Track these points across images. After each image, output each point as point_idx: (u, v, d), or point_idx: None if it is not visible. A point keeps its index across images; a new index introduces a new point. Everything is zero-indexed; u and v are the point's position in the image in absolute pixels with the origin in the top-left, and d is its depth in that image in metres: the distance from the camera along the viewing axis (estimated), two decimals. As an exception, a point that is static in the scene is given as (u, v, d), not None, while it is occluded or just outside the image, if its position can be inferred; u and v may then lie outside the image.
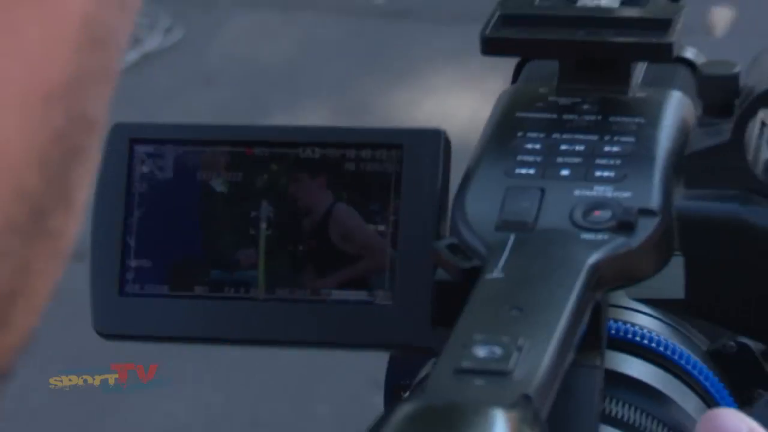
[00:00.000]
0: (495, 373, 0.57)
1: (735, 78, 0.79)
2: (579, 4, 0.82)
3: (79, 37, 0.34)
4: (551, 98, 0.80)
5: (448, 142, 0.76)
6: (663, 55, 0.80)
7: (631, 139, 0.78)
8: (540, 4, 0.82)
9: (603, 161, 0.76)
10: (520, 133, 0.78)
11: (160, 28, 3.44)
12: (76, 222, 0.35)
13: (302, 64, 3.43)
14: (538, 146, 0.77)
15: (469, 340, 0.59)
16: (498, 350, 0.58)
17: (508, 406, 0.54)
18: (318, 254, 0.73)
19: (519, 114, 0.80)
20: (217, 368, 2.53)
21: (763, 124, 0.81)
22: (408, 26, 3.59)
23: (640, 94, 0.80)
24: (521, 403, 0.55)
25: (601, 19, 0.81)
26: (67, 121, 0.33)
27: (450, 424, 0.54)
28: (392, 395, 0.78)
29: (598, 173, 0.75)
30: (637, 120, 0.79)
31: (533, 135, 0.78)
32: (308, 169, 0.74)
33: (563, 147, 0.77)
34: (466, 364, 0.57)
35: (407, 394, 0.74)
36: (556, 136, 0.78)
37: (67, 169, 0.34)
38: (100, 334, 0.76)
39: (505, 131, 0.78)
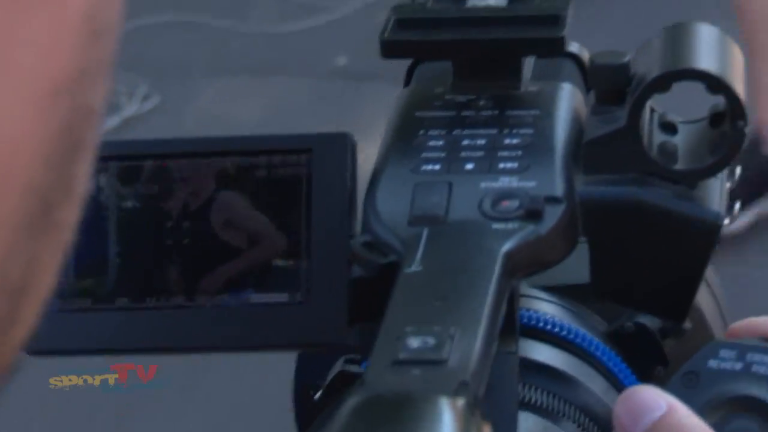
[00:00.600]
0: (431, 362, 0.57)
1: (625, 67, 0.79)
2: (469, 4, 0.81)
3: (83, 29, 0.33)
4: (448, 96, 0.79)
5: (354, 145, 0.75)
6: (555, 48, 0.80)
7: (529, 131, 0.77)
8: (432, 6, 0.81)
9: (505, 153, 0.76)
10: (422, 132, 0.77)
11: (138, 95, 3.53)
12: (77, 214, 0.34)
13: (273, 124, 3.47)
14: (440, 143, 0.77)
15: (401, 332, 0.58)
16: (431, 340, 0.57)
17: (451, 393, 0.54)
18: (235, 261, 0.72)
19: (418, 114, 0.79)
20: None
21: (652, 109, 0.79)
22: (372, 87, 3.63)
23: (532, 88, 0.80)
24: (461, 390, 0.55)
25: (491, 18, 0.80)
26: (73, 114, 0.32)
27: (397, 413, 0.54)
28: (302, 396, 0.77)
29: (501, 165, 0.74)
30: (533, 112, 0.78)
31: (435, 132, 0.77)
32: (221, 178, 0.73)
33: (465, 142, 0.77)
34: (402, 355, 0.57)
35: (318, 393, 0.73)
36: (457, 132, 0.77)
37: (72, 162, 0.33)
38: (26, 351, 0.74)
39: (407, 131, 0.78)
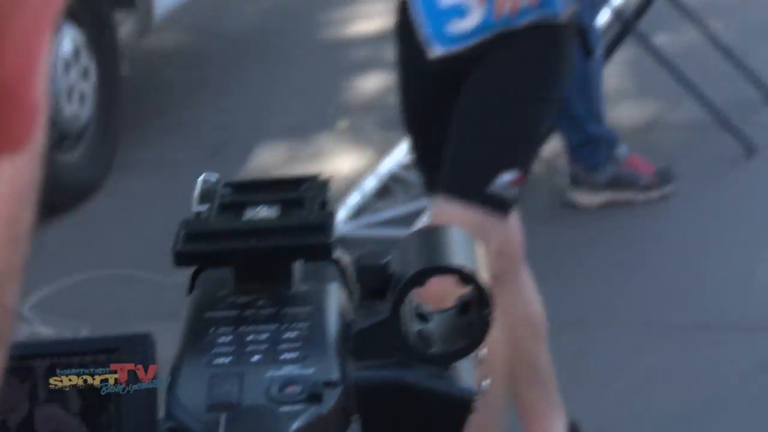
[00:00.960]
0: None
1: (386, 266, 0.87)
2: (246, 216, 0.89)
3: (5, 235, 0.33)
4: (231, 299, 0.86)
5: (153, 344, 0.85)
6: (323, 254, 0.87)
7: (305, 324, 0.83)
8: (214, 220, 0.88)
9: (286, 345, 0.82)
10: (212, 330, 0.83)
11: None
12: None
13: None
14: (229, 338, 0.82)
15: None
16: None
17: None
18: None
19: (207, 314, 0.85)
20: None
21: (409, 301, 0.86)
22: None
23: (304, 288, 0.86)
24: None
25: (265, 229, 0.87)
26: None
27: None
28: None
29: (283, 356, 0.81)
30: (306, 309, 0.85)
31: (223, 330, 0.83)
32: (35, 390, 0.82)
33: (250, 337, 0.83)
34: None
35: None
36: (242, 329, 0.83)
37: None
38: None
39: (199, 330, 0.84)
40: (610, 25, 5.03)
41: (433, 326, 0.88)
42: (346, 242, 4.23)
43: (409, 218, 4.38)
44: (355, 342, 0.85)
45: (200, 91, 5.66)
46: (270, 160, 5.05)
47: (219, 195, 0.91)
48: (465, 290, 0.87)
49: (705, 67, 4.98)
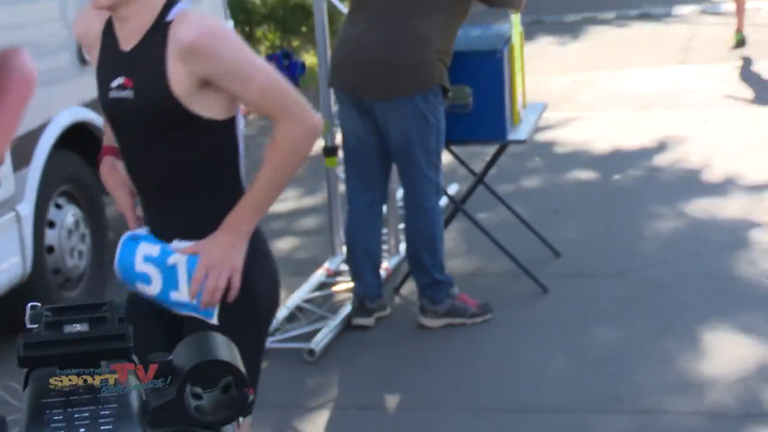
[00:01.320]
0: None
1: (171, 362, 0.86)
2: (65, 330, 0.87)
3: None
4: (59, 389, 0.84)
5: (6, 426, 0.79)
6: (124, 355, 0.85)
7: (115, 405, 0.83)
8: (43, 333, 0.87)
9: (103, 420, 0.81)
10: (48, 411, 0.82)
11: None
12: None
13: None
14: (60, 417, 0.81)
15: None
16: None
17: None
18: None
19: (43, 400, 0.84)
20: None
21: (188, 385, 0.87)
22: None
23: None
24: None
25: (80, 339, 0.85)
26: None
27: None
28: None
29: (102, 428, 0.80)
30: (115, 394, 0.85)
31: (56, 411, 0.82)
32: None
33: (76, 416, 0.81)
34: None
35: None
36: (69, 410, 0.82)
37: None
38: None
39: (37, 412, 0.82)
40: (446, 206, 5.05)
41: (205, 402, 0.88)
42: (265, 353, 4.43)
43: (309, 335, 4.42)
44: (152, 415, 0.85)
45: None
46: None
47: (44, 317, 0.89)
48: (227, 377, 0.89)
49: (512, 234, 5.14)
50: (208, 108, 2.25)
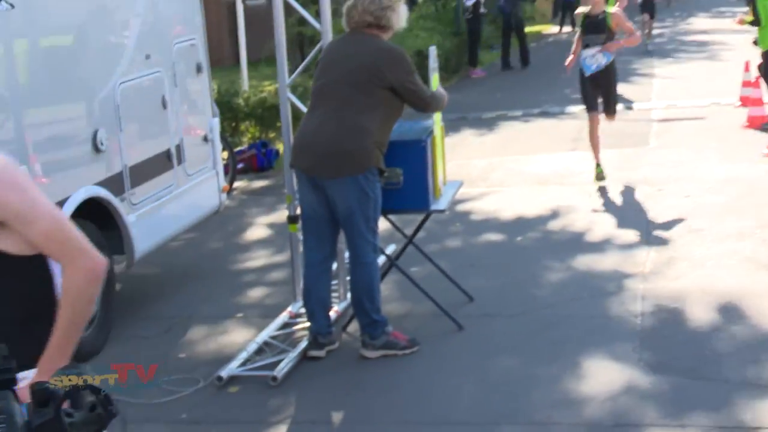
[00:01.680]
0: None
1: (48, 387, 0.78)
2: None
3: None
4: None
5: None
6: (7, 385, 0.80)
7: (4, 424, 0.78)
8: None
9: None
10: None
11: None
12: None
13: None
14: None
15: None
16: None
17: None
18: None
19: None
20: None
21: (63, 406, 0.79)
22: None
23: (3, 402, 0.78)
24: None
25: None
26: None
27: None
28: None
29: None
30: (2, 416, 0.81)
31: None
32: None
33: None
34: None
35: None
36: None
37: None
38: None
39: None
40: (384, 263, 4.97)
41: (77, 418, 0.86)
42: (237, 379, 4.34)
43: (273, 365, 4.39)
44: (35, 431, 0.84)
45: (161, 300, 5.50)
46: (199, 336, 4.94)
47: None
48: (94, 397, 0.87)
49: (435, 283, 5.13)
50: (12, 245, 1.91)
